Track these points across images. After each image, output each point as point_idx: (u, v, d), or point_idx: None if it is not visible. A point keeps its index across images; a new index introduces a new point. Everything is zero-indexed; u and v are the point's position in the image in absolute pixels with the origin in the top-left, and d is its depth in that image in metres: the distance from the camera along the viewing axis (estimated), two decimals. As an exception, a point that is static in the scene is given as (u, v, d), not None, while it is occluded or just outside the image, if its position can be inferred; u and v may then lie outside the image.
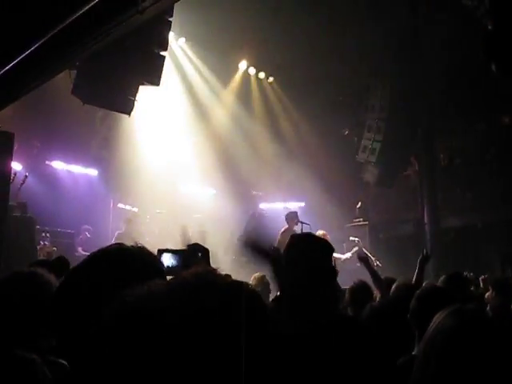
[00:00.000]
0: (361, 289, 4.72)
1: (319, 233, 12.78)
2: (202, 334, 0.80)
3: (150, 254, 1.40)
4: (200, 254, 1.90)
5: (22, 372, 1.25)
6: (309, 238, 3.06)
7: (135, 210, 10.78)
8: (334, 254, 12.00)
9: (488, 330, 1.52)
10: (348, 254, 11.52)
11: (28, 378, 1.26)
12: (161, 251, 1.98)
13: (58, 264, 3.23)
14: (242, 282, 0.90)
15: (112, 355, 0.82)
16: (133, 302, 0.86)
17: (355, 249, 11.46)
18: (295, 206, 15.30)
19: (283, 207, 15.16)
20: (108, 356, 0.83)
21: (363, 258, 5.66)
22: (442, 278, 4.04)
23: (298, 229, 10.43)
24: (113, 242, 9.70)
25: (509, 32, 3.86)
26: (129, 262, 1.34)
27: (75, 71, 9.17)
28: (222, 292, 0.86)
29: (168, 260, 1.94)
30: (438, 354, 1.48)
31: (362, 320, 3.58)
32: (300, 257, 2.74)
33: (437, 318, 1.60)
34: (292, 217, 10.62)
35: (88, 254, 1.40)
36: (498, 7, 3.98)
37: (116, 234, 10.13)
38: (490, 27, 4.00)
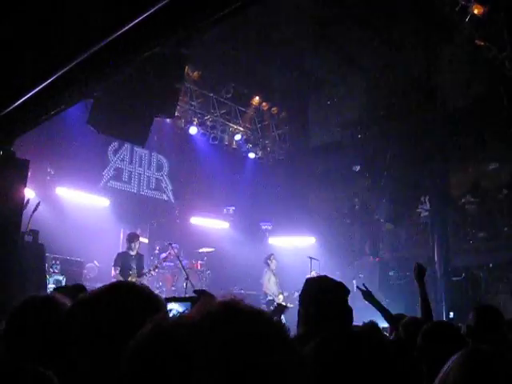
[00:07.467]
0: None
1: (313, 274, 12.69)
2: (239, 362, 0.79)
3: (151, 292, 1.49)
4: None
5: None
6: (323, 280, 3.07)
7: (145, 240, 10.70)
8: None
9: (502, 373, 1.44)
10: None
11: None
12: (167, 300, 1.95)
13: (75, 290, 3.23)
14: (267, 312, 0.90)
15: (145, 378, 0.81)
16: (168, 326, 0.85)
17: None
18: (306, 241, 15.22)
19: (294, 247, 15.02)
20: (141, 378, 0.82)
21: (365, 292, 5.13)
22: (474, 312, 3.66)
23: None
24: (113, 263, 9.81)
25: None
26: (138, 296, 1.40)
27: (91, 101, 9.28)
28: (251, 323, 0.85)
29: (175, 309, 1.90)
30: None
31: None
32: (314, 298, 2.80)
33: (453, 357, 1.55)
34: None
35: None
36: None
37: (116, 255, 10.01)
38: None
